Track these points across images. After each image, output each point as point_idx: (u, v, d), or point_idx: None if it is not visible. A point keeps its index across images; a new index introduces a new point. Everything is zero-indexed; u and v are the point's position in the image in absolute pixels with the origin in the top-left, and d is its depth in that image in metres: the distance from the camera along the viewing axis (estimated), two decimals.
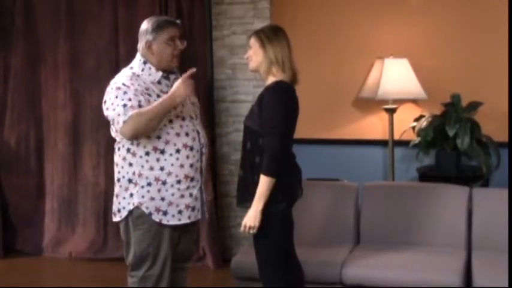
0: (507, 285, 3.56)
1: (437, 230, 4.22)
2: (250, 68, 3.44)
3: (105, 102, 3.33)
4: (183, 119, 3.37)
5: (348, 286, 3.95)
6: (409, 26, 5.14)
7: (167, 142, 3.31)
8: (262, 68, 3.36)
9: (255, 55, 3.38)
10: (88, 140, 5.54)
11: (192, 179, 3.39)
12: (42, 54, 5.62)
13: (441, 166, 4.86)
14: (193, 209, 3.42)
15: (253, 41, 3.39)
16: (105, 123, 5.38)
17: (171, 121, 3.33)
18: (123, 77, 3.34)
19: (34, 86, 5.67)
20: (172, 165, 3.32)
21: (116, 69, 5.33)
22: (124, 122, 3.21)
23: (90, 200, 5.57)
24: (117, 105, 3.24)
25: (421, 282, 3.79)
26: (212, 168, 5.16)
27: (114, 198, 3.45)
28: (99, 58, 5.45)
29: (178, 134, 3.33)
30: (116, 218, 3.44)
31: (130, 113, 3.20)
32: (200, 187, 3.46)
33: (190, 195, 3.40)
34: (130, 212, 3.36)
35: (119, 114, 3.23)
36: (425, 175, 4.90)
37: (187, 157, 3.35)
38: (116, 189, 3.43)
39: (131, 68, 3.40)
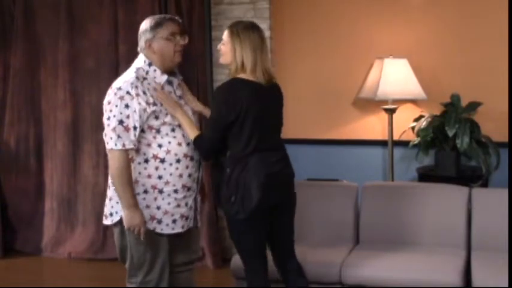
0: (507, 285, 3.56)
1: (436, 230, 4.22)
2: (221, 61, 3.47)
3: (108, 102, 3.22)
4: None
5: (348, 286, 3.95)
6: (409, 26, 5.14)
7: (168, 152, 3.26)
8: (232, 67, 3.37)
9: (225, 52, 3.39)
10: (87, 139, 5.54)
11: (188, 189, 3.35)
12: (42, 54, 5.63)
13: (441, 166, 4.86)
14: (187, 218, 3.39)
15: (226, 37, 3.38)
16: None
17: (173, 130, 3.29)
18: (127, 83, 3.21)
19: (34, 86, 5.68)
20: (171, 174, 3.27)
21: (115, 69, 5.36)
22: (112, 149, 3.19)
23: (89, 200, 5.57)
24: (114, 117, 3.17)
25: (420, 282, 3.79)
26: None
27: (107, 201, 3.37)
28: (99, 58, 5.46)
29: (180, 144, 3.29)
30: (107, 222, 3.39)
31: (121, 143, 3.16)
32: (195, 197, 3.43)
33: (186, 204, 3.36)
34: None
35: (111, 138, 3.18)
36: (425, 175, 4.90)
37: (187, 167, 3.32)
38: (110, 192, 3.35)
39: (137, 69, 3.29)
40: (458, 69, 5.04)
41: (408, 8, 5.15)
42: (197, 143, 3.33)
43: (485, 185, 4.76)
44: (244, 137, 3.31)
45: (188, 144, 3.31)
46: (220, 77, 5.24)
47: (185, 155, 3.30)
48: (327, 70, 5.35)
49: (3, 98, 5.74)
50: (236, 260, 4.16)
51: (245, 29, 3.35)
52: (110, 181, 3.35)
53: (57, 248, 5.64)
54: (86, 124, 5.55)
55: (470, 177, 4.79)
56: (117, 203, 3.29)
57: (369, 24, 5.23)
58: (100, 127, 5.36)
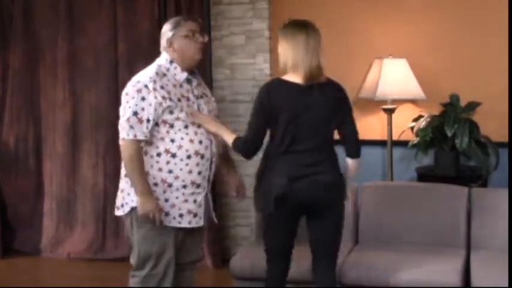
0: (507, 286, 3.56)
1: (436, 230, 4.22)
2: None
3: (126, 94, 3.31)
4: (199, 126, 3.37)
5: (348, 286, 3.95)
6: (408, 26, 5.14)
7: (180, 147, 3.31)
8: (280, 66, 3.40)
9: (279, 52, 3.41)
10: (87, 139, 5.54)
11: (198, 186, 3.39)
12: (41, 53, 5.62)
13: (440, 166, 4.87)
14: (195, 215, 3.40)
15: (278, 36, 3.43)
16: (104, 123, 5.46)
17: (186, 127, 3.33)
18: (147, 77, 3.30)
19: (33, 86, 5.67)
20: (181, 169, 3.32)
21: (115, 69, 5.37)
22: (124, 138, 3.27)
23: (88, 200, 5.56)
24: (130, 108, 3.25)
25: (420, 282, 3.79)
26: None
27: (119, 193, 3.44)
28: (98, 57, 5.45)
29: (192, 141, 3.33)
30: (119, 213, 3.46)
31: (133, 133, 3.24)
32: (206, 194, 3.46)
33: (194, 201, 3.39)
34: (134, 209, 3.35)
35: (123, 128, 3.27)
36: (424, 175, 4.90)
37: (197, 164, 3.35)
38: (122, 184, 3.42)
39: (158, 66, 3.38)
40: (458, 70, 5.05)
41: (408, 8, 5.15)
42: (236, 145, 3.38)
43: (484, 185, 4.76)
44: (277, 138, 3.34)
45: (200, 142, 3.36)
46: (220, 77, 5.24)
47: (196, 152, 3.34)
48: (326, 70, 5.29)
49: (3, 98, 5.73)
50: (236, 260, 4.17)
51: (292, 28, 3.36)
52: (122, 173, 3.42)
53: (57, 248, 5.63)
54: (85, 124, 5.54)
55: (469, 177, 4.79)
56: (128, 194, 3.36)
57: (368, 24, 5.23)
58: (99, 127, 5.44)
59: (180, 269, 3.50)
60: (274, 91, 3.33)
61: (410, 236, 4.25)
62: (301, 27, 3.35)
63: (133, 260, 3.46)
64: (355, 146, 3.52)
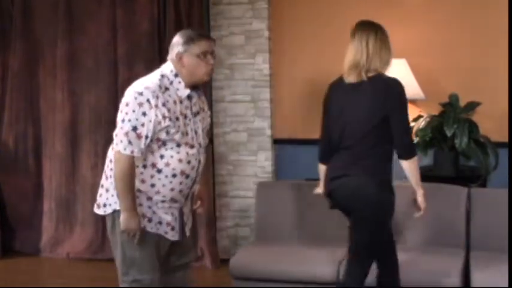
0: (507, 286, 3.57)
1: (436, 230, 4.23)
2: None
3: (126, 104, 3.18)
4: (192, 147, 3.30)
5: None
6: (407, 26, 5.14)
7: (167, 164, 3.23)
8: None
9: None
10: (86, 140, 5.54)
11: (175, 201, 3.34)
12: (41, 54, 5.63)
13: (439, 166, 4.86)
14: (172, 228, 3.37)
15: None
16: (104, 123, 5.46)
17: (179, 146, 3.24)
18: (149, 91, 3.17)
19: (32, 86, 5.67)
20: (163, 186, 3.26)
21: (114, 69, 5.36)
22: (120, 151, 3.17)
23: (88, 200, 5.55)
24: (129, 121, 3.15)
25: (420, 282, 3.79)
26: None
27: (103, 191, 3.37)
28: (98, 58, 5.45)
29: (180, 160, 3.25)
30: (99, 211, 3.41)
31: (131, 149, 3.15)
32: (181, 209, 3.39)
33: (172, 214, 3.35)
34: (117, 212, 3.29)
35: (121, 141, 3.16)
36: (424, 175, 4.85)
37: (180, 183, 3.29)
38: (107, 184, 3.35)
39: (162, 76, 3.26)
40: (457, 69, 5.05)
41: (407, 8, 5.15)
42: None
43: (484, 185, 4.76)
44: (324, 131, 3.56)
45: (189, 162, 3.28)
46: (219, 77, 5.24)
47: (182, 172, 3.27)
48: (326, 70, 5.30)
49: (2, 98, 5.73)
50: (235, 260, 4.17)
51: (353, 28, 3.52)
52: (108, 172, 3.34)
53: (56, 248, 5.64)
54: (84, 124, 5.55)
55: (469, 177, 4.79)
56: (112, 195, 3.31)
57: None
58: (99, 127, 5.43)
59: (171, 270, 3.48)
60: (331, 89, 3.54)
61: (410, 236, 4.25)
62: (354, 27, 3.53)
63: (118, 264, 3.41)
64: (400, 146, 3.49)
